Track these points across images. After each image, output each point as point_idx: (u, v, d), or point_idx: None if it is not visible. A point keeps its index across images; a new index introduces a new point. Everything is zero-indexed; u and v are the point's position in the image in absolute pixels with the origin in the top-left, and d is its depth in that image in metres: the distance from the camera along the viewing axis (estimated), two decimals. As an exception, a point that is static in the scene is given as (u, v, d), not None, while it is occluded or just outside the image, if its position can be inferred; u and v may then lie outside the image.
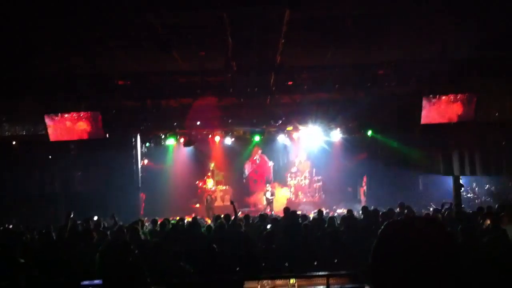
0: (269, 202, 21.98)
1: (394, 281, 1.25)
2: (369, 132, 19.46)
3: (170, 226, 11.63)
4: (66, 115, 14.28)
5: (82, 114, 14.23)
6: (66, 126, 14.33)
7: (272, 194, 22.33)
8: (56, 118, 14.28)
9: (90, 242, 8.66)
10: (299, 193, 23.83)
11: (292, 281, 6.57)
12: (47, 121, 14.24)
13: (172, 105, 16.43)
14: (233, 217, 11.81)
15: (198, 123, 19.12)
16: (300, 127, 20.65)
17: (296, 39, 10.64)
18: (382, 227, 1.38)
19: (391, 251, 1.27)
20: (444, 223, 9.01)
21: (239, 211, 17.12)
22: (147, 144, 21.80)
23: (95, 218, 11.99)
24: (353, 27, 10.04)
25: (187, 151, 23.09)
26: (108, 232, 11.02)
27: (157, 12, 9.08)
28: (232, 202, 12.82)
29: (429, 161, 19.88)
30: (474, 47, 11.50)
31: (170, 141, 20.86)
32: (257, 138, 20.62)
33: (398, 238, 1.28)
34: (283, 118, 18.66)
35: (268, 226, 10.98)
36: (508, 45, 11.41)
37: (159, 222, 11.92)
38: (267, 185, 23.00)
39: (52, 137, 14.42)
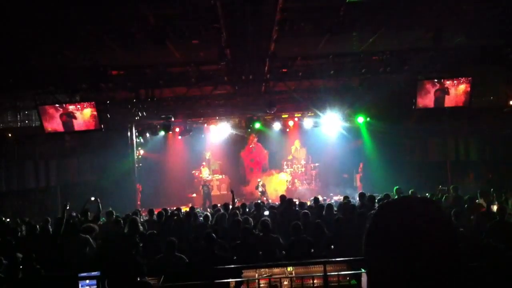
0: (263, 194, 22.00)
1: (388, 264, 1.23)
2: (364, 118, 19.47)
3: (168, 216, 11.64)
4: (60, 107, 14.20)
5: (76, 105, 14.15)
6: (61, 118, 14.25)
7: (263, 186, 22.34)
8: (51, 109, 14.20)
9: (91, 235, 8.68)
10: (296, 180, 23.90)
11: (289, 269, 6.60)
12: (42, 112, 14.16)
13: (166, 95, 16.37)
14: (231, 206, 11.89)
15: (193, 112, 19.09)
16: (296, 114, 20.66)
17: (290, 26, 10.59)
18: (377, 207, 1.36)
19: (386, 232, 1.26)
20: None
21: (236, 200, 17.13)
22: (142, 135, 21.77)
23: (92, 198, 11.84)
24: (347, 15, 10.01)
25: (182, 141, 23.08)
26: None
27: (150, 3, 9.02)
28: (232, 191, 12.88)
29: (425, 146, 19.96)
30: (468, 34, 11.51)
31: (166, 131, 20.83)
32: (252, 126, 20.61)
33: (394, 218, 1.26)
34: (278, 106, 18.64)
35: (266, 213, 11.03)
36: (502, 33, 11.41)
37: (156, 212, 11.92)
38: (258, 180, 22.97)
39: (47, 129, 14.35)
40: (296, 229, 8.13)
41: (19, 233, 10.15)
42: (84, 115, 14.15)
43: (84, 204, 11.68)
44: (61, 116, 14.10)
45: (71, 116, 14.14)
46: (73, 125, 14.26)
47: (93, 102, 14.14)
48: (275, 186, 23.08)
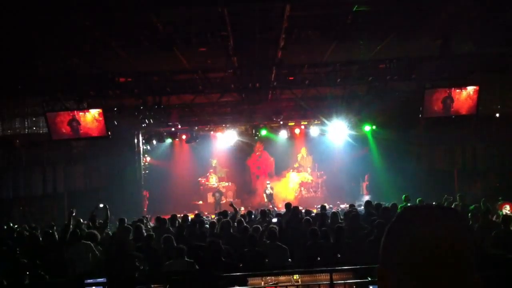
0: (270, 198, 22.01)
1: (403, 270, 1.22)
2: (371, 126, 19.44)
3: (176, 223, 11.63)
4: (68, 114, 14.25)
5: (83, 112, 14.19)
6: (68, 125, 14.30)
7: (272, 189, 22.38)
8: (58, 116, 14.25)
9: (94, 242, 8.68)
10: (302, 188, 23.83)
11: (295, 277, 6.57)
12: (49, 119, 14.21)
13: (173, 102, 16.41)
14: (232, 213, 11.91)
15: (200, 119, 19.12)
16: (302, 122, 20.65)
17: (297, 34, 10.61)
18: (399, 212, 1.34)
19: (405, 238, 1.24)
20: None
21: (241, 207, 17.11)
22: (149, 142, 21.83)
23: (101, 205, 11.88)
24: (354, 23, 10.01)
25: (189, 148, 23.10)
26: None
27: (157, 10, 9.06)
28: (231, 204, 12.94)
29: (432, 155, 19.86)
30: (475, 42, 11.47)
31: (172, 138, 20.85)
32: (259, 134, 20.61)
33: (414, 224, 1.25)
34: (285, 114, 18.64)
35: (274, 220, 11.01)
36: (509, 40, 11.37)
37: (162, 218, 11.91)
38: (267, 182, 23.03)
39: (54, 136, 14.40)
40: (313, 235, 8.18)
41: (26, 239, 10.16)
42: (91, 122, 14.20)
43: (92, 211, 11.73)
44: (69, 122, 14.15)
45: (80, 122, 14.19)
46: (82, 132, 14.31)
47: (101, 109, 14.18)
48: (282, 194, 23.02)
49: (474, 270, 1.18)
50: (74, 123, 14.12)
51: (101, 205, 11.73)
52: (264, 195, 22.33)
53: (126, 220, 11.87)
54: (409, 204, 11.98)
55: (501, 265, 6.21)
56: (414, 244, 1.18)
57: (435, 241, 1.17)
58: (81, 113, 14.15)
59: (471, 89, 13.72)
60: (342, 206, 19.08)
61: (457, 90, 13.74)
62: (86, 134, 14.40)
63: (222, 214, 12.08)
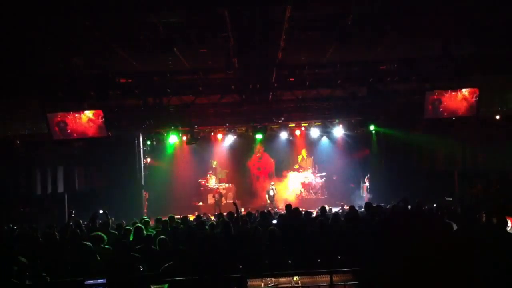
0: (272, 199, 22.03)
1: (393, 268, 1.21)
2: (372, 127, 19.41)
3: (175, 224, 11.61)
4: (68, 114, 14.25)
5: (84, 113, 14.19)
6: (69, 125, 14.30)
7: (275, 191, 22.41)
8: (59, 117, 14.25)
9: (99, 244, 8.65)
10: (302, 190, 23.81)
11: (295, 278, 6.55)
12: (50, 120, 14.21)
13: (174, 103, 16.40)
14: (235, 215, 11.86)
15: (200, 120, 19.09)
16: (302, 123, 20.64)
17: (298, 35, 10.60)
18: (401, 210, 1.33)
19: (406, 235, 1.24)
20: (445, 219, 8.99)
21: (241, 209, 17.12)
22: (150, 143, 21.83)
23: (101, 211, 11.89)
24: (354, 24, 10.00)
25: (189, 149, 23.08)
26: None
27: (158, 12, 9.06)
28: (234, 204, 12.90)
29: (432, 156, 19.83)
30: (475, 43, 11.47)
31: (173, 139, 20.82)
32: (259, 135, 20.59)
33: (415, 223, 1.24)
34: (285, 115, 18.61)
35: (274, 222, 10.98)
36: (509, 41, 11.36)
37: (163, 220, 11.89)
38: (271, 183, 23.06)
39: (54, 136, 14.39)
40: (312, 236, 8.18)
41: (26, 239, 10.14)
42: (86, 122, 14.20)
43: (94, 211, 11.72)
44: (57, 124, 14.15)
45: (80, 123, 14.19)
46: (75, 133, 14.30)
47: (101, 110, 14.18)
48: (285, 193, 23.05)
49: (477, 269, 1.17)
50: (62, 124, 14.13)
51: (101, 211, 11.76)
52: (267, 196, 22.34)
53: (112, 223, 11.83)
54: (409, 207, 11.99)
55: (502, 265, 6.19)
56: (416, 242, 1.18)
57: (439, 239, 1.16)
58: (76, 115, 14.16)
59: (470, 90, 13.73)
60: (346, 207, 19.06)
61: (455, 93, 13.76)
62: (87, 134, 14.40)
63: (228, 215, 12.05)
